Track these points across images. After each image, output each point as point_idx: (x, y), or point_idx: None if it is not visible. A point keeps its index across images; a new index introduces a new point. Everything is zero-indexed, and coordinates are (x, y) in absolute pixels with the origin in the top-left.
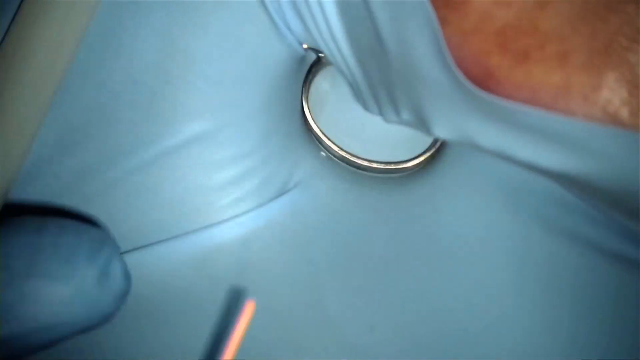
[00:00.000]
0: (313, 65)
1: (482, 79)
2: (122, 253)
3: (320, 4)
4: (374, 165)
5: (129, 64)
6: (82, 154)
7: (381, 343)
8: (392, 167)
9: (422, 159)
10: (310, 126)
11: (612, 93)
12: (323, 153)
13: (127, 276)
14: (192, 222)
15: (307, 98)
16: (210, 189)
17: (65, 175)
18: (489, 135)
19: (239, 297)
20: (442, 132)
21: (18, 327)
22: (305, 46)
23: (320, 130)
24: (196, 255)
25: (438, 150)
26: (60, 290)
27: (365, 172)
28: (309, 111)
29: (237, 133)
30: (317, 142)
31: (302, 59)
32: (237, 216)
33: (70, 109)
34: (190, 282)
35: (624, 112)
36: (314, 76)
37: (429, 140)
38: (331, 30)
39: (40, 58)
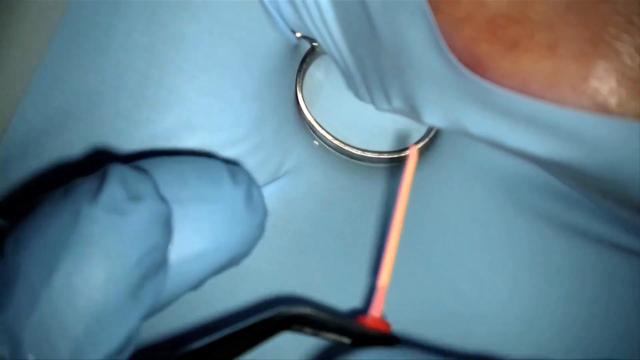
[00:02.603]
0: (307, 54)
1: (473, 68)
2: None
3: None
4: (368, 154)
5: (119, 46)
6: (69, 137)
7: None
8: (386, 156)
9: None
10: (304, 115)
11: (601, 82)
12: (316, 142)
13: (264, 203)
14: None
15: (301, 87)
16: None
17: (50, 158)
18: (480, 122)
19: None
20: (433, 119)
21: (181, 253)
22: (298, 35)
23: (314, 119)
24: None
25: (432, 140)
26: (215, 211)
27: (358, 162)
28: (303, 100)
29: (228, 119)
30: (311, 131)
31: (296, 47)
32: None
33: (57, 90)
34: None
35: (613, 102)
36: (308, 65)
37: (422, 130)
38: (323, 16)
39: (20, 31)
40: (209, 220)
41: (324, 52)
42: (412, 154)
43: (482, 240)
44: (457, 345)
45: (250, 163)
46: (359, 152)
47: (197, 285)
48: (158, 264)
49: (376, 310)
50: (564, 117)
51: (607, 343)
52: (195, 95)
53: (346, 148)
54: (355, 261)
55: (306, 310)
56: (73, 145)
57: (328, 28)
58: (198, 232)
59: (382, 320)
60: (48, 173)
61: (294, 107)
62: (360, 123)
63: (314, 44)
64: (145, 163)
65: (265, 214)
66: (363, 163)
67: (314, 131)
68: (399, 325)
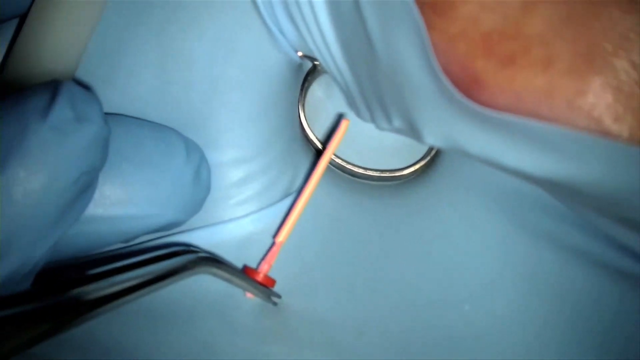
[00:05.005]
0: (309, 73)
1: (468, 84)
2: (124, 247)
3: (313, 9)
4: (370, 173)
5: (131, 60)
6: None
7: (369, 347)
8: (388, 174)
9: (417, 167)
10: (307, 133)
11: (597, 98)
12: None
13: (210, 183)
14: (195, 220)
15: (303, 105)
16: (214, 189)
17: None
18: (476, 141)
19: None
20: (432, 139)
21: (119, 209)
22: (300, 54)
23: (317, 138)
24: None
25: (433, 159)
26: (161, 180)
27: (361, 180)
28: (305, 119)
29: (238, 137)
30: (314, 150)
31: (299, 66)
32: (238, 218)
33: None
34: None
35: (609, 117)
36: (309, 84)
37: (424, 149)
38: (323, 35)
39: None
40: (156, 186)
41: (325, 71)
42: (344, 125)
43: (479, 258)
44: None
45: (261, 181)
46: (361, 171)
47: (127, 240)
48: (90, 182)
49: (268, 263)
50: (558, 136)
51: None
52: (205, 112)
53: (348, 167)
54: (360, 277)
55: (207, 255)
56: None
57: (328, 47)
58: (143, 195)
59: (268, 277)
60: None
61: (299, 126)
62: (362, 141)
63: (315, 62)
64: (109, 119)
65: (207, 192)
66: (365, 181)
67: (317, 150)
68: (393, 340)
